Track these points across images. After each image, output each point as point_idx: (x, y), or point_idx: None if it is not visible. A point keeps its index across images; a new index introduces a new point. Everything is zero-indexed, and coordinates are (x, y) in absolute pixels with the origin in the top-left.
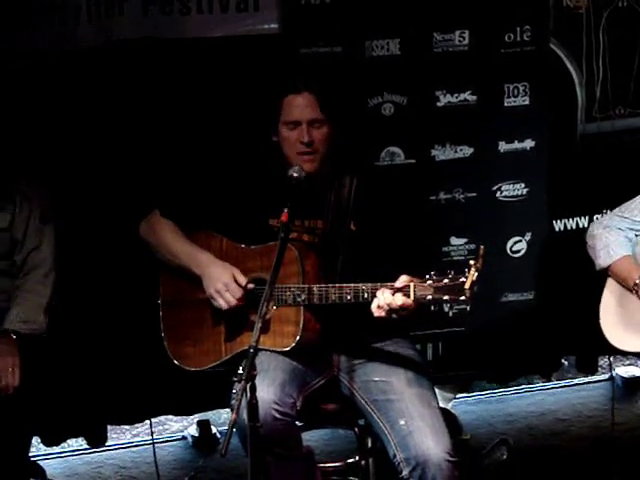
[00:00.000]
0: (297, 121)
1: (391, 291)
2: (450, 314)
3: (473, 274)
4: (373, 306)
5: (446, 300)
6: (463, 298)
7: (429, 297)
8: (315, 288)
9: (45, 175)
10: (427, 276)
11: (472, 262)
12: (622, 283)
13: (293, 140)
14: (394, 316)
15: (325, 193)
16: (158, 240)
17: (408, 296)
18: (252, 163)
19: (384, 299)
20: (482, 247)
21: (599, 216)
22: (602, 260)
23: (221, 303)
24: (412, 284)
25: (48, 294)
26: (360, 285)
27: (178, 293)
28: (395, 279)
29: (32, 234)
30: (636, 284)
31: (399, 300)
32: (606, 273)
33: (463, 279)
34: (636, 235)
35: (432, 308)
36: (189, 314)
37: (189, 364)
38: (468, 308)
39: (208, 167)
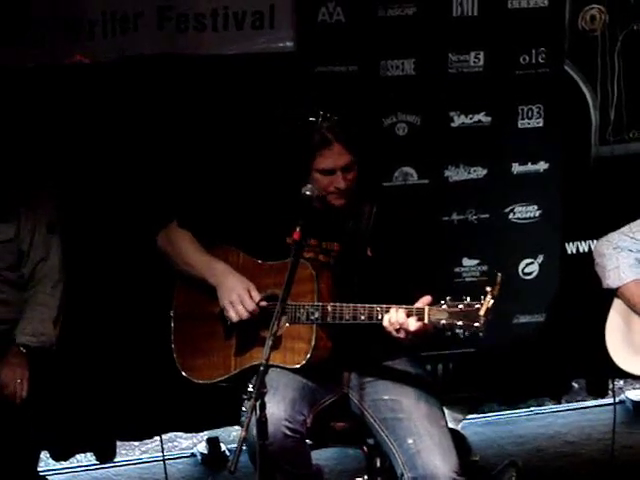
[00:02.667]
0: (332, 169)
1: (405, 311)
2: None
3: (489, 301)
4: (385, 321)
5: (460, 326)
6: (477, 325)
7: (443, 322)
8: (329, 307)
9: (55, 185)
10: (442, 301)
11: (489, 289)
12: (631, 307)
13: (325, 184)
14: (403, 336)
15: (344, 217)
16: (175, 250)
17: (422, 320)
18: (271, 180)
19: (396, 317)
20: (499, 275)
21: None
22: (611, 281)
23: (232, 315)
24: (426, 308)
25: (57, 305)
26: (375, 306)
27: (191, 306)
28: (409, 302)
29: (38, 245)
30: None
31: (412, 323)
32: (614, 293)
33: (478, 305)
34: None
35: (446, 334)
36: (201, 327)
37: (197, 376)
38: (481, 335)
39: (227, 181)
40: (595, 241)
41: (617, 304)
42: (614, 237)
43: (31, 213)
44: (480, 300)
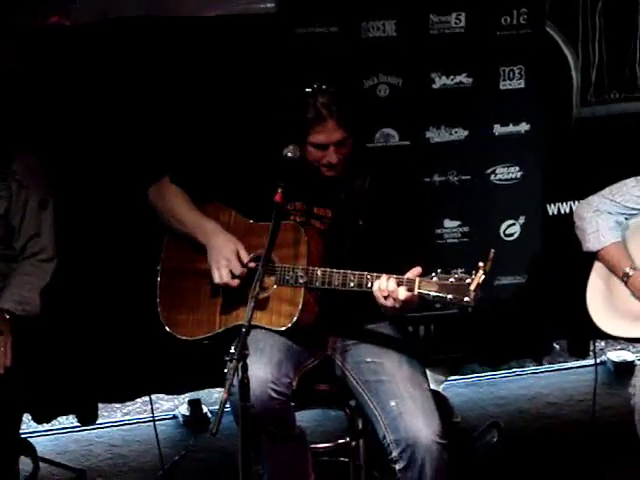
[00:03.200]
0: (325, 144)
1: (396, 280)
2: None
3: (480, 276)
4: (374, 288)
5: (449, 299)
6: (467, 299)
7: (432, 294)
8: (319, 271)
9: (45, 151)
10: (433, 273)
11: (481, 264)
12: (611, 269)
13: (318, 157)
14: (391, 304)
15: (337, 187)
16: (166, 206)
17: (412, 290)
18: (265, 141)
19: (387, 284)
20: (492, 251)
21: None
22: (591, 244)
23: (216, 277)
24: (417, 279)
25: (46, 279)
26: (365, 273)
27: (179, 261)
28: (398, 274)
29: (30, 221)
30: (625, 274)
31: (402, 292)
32: (595, 256)
33: (469, 280)
34: (626, 219)
35: (436, 306)
36: (187, 283)
37: (181, 332)
38: (470, 310)
39: (221, 140)
40: (576, 202)
41: (598, 267)
42: (594, 200)
43: (22, 189)
44: (471, 275)
